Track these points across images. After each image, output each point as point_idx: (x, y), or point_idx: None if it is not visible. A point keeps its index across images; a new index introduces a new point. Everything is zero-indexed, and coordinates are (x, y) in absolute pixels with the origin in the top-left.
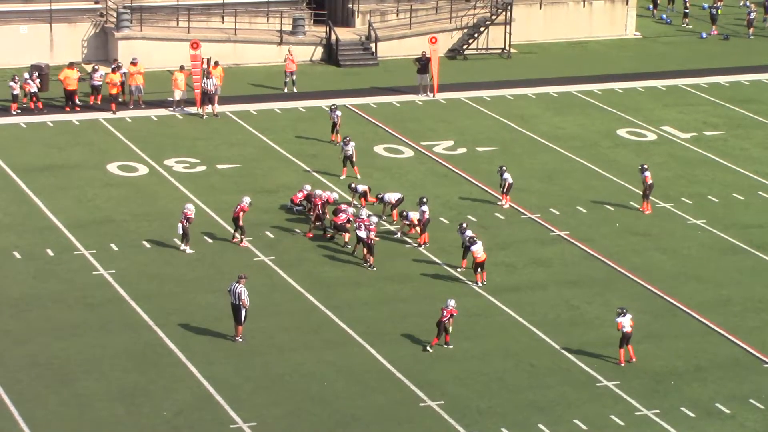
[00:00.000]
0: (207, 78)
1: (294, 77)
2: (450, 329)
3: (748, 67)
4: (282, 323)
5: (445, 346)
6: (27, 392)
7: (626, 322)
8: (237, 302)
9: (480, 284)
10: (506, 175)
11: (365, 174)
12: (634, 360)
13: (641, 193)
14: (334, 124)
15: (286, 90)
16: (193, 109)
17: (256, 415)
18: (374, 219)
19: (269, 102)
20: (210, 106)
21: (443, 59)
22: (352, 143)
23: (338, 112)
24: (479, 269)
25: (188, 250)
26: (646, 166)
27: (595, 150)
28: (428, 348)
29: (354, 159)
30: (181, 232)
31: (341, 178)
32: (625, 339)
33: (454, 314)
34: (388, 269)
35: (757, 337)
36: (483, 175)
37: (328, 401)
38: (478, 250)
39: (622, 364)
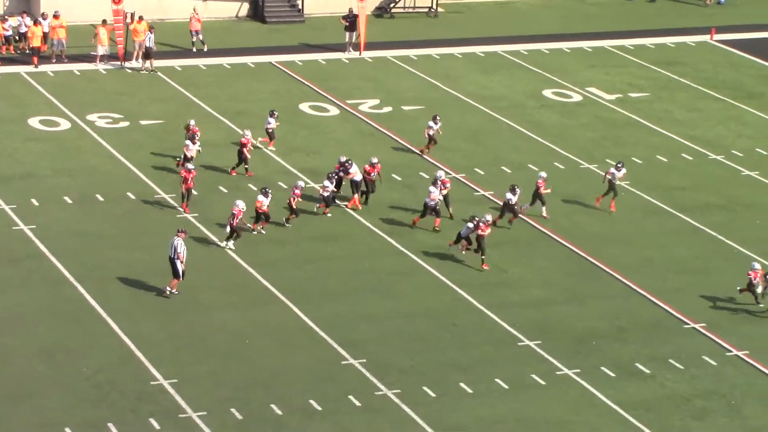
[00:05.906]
0: (150, 34)
1: (201, 36)
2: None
3: (674, 29)
4: (206, 281)
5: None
6: None
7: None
8: (173, 256)
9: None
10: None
11: (292, 132)
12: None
13: (605, 191)
14: (431, 138)
15: (194, 49)
16: (117, 64)
17: (177, 372)
18: (301, 184)
19: (194, 58)
20: (148, 61)
21: (370, 17)
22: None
23: (439, 124)
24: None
25: (231, 245)
26: (621, 164)
27: (521, 110)
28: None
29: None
30: (228, 230)
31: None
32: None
33: (757, 278)
34: (313, 228)
35: (678, 298)
36: (408, 134)
37: (250, 359)
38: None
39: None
